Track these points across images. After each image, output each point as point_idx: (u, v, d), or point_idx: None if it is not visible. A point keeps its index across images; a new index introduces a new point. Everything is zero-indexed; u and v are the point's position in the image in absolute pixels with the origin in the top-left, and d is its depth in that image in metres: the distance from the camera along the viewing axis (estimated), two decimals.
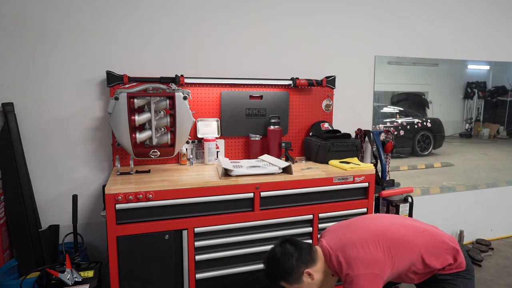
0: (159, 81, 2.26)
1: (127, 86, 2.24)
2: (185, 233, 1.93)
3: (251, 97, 2.55)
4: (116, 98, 1.97)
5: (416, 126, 3.21)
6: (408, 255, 1.49)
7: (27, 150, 2.19)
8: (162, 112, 2.13)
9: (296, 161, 2.51)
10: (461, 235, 3.30)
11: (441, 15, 3.09)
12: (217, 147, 2.48)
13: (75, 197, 2.14)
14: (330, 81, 2.72)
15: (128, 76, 2.23)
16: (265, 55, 2.61)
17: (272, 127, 2.50)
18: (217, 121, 2.50)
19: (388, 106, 3.12)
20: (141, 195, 1.83)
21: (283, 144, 2.46)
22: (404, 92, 3.20)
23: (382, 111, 3.08)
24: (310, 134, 2.70)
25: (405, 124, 3.17)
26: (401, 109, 3.19)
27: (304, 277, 1.49)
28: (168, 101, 2.06)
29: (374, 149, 2.79)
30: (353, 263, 1.43)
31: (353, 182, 2.25)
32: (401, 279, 1.58)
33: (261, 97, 2.57)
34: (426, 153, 3.31)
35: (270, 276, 1.54)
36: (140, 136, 2.06)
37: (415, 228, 1.58)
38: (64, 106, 2.25)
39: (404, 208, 2.63)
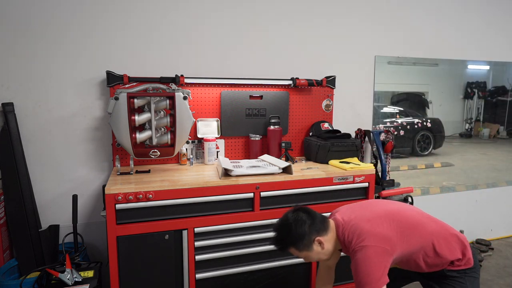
0: (159, 81, 2.26)
1: (127, 86, 2.24)
2: (185, 233, 1.93)
3: (251, 97, 2.55)
4: (116, 98, 1.97)
5: (416, 126, 3.21)
6: (420, 238, 1.50)
7: (27, 150, 2.19)
8: (162, 112, 2.13)
9: (296, 161, 2.51)
10: None
11: (441, 15, 3.09)
12: (217, 147, 2.48)
13: (75, 197, 2.14)
14: (330, 81, 2.72)
15: (128, 76, 2.23)
16: (265, 55, 2.61)
17: (272, 127, 2.50)
18: (217, 121, 2.50)
19: (388, 106, 3.12)
20: (141, 195, 1.83)
21: (283, 144, 2.46)
22: (404, 92, 3.20)
23: (382, 111, 3.08)
24: (310, 134, 2.70)
25: (405, 124, 3.18)
26: (401, 109, 3.19)
27: (314, 245, 1.50)
28: (168, 101, 2.06)
29: (374, 149, 2.79)
30: (364, 235, 1.44)
31: (353, 182, 2.25)
32: (410, 265, 1.58)
33: (261, 97, 2.57)
34: (426, 153, 3.31)
35: (281, 241, 1.54)
36: (140, 136, 2.06)
37: (428, 216, 1.62)
38: (64, 106, 2.25)
39: None
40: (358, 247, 1.43)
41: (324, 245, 1.51)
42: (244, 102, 2.53)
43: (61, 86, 2.23)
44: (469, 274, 1.55)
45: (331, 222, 1.57)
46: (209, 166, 2.36)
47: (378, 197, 2.68)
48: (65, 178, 2.30)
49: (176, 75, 2.29)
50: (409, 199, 2.67)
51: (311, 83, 2.61)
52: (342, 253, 1.68)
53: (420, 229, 1.52)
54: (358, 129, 2.86)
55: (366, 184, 2.29)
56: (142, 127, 2.13)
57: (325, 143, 2.41)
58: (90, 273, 1.94)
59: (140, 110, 2.11)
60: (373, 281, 1.37)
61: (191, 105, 2.27)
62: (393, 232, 1.46)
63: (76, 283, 1.85)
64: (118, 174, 2.08)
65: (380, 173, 2.72)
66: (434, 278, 1.59)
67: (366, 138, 2.80)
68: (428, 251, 1.51)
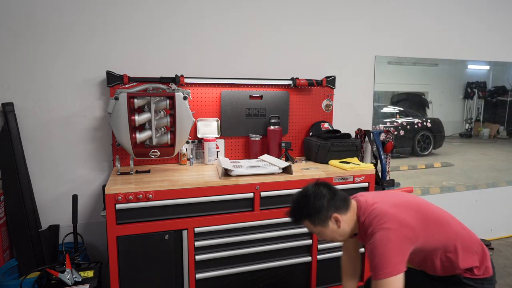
0: (159, 81, 2.26)
1: (127, 86, 2.24)
2: (185, 233, 1.93)
3: (251, 97, 2.55)
4: (116, 98, 1.97)
5: (416, 126, 3.21)
6: (444, 236, 1.41)
7: (27, 150, 2.19)
8: (162, 112, 2.13)
9: (296, 161, 2.51)
10: None
11: (441, 15, 3.09)
12: (217, 147, 2.48)
13: (75, 197, 2.14)
14: (330, 81, 2.72)
15: (128, 76, 2.23)
16: (265, 55, 2.61)
17: (272, 127, 2.50)
18: (217, 121, 2.50)
19: (388, 106, 3.12)
20: (141, 195, 1.83)
21: (283, 144, 2.46)
22: (404, 92, 3.20)
23: (382, 111, 3.08)
24: (310, 134, 2.70)
25: (405, 124, 3.17)
26: (401, 109, 3.19)
27: (330, 222, 1.42)
28: (168, 101, 2.06)
29: (374, 149, 2.79)
30: (388, 217, 1.33)
31: (353, 182, 2.25)
32: (426, 264, 1.49)
33: (261, 97, 2.57)
34: (426, 153, 3.31)
35: (297, 212, 1.47)
36: (140, 136, 2.06)
37: (452, 217, 1.52)
38: (64, 106, 2.25)
39: None
40: (378, 228, 1.31)
41: (340, 224, 1.42)
42: (244, 102, 2.53)
43: (61, 86, 2.23)
44: (485, 285, 1.46)
45: (353, 203, 1.48)
46: (209, 166, 2.36)
47: None
48: (65, 178, 2.30)
49: (176, 75, 2.29)
50: None
51: (311, 83, 2.61)
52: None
53: (445, 226, 1.44)
54: (358, 129, 2.86)
55: (366, 184, 2.29)
56: (142, 127, 2.13)
57: (325, 143, 2.41)
58: (90, 273, 1.94)
59: (140, 110, 2.11)
60: (390, 265, 1.25)
61: (191, 105, 2.27)
62: (418, 222, 1.36)
63: (76, 283, 1.85)
64: (118, 174, 2.08)
65: (380, 173, 2.72)
66: (449, 283, 1.49)
67: (366, 138, 2.80)
68: (449, 252, 1.42)
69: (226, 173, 2.05)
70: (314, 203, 1.41)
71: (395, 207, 1.39)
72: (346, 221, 1.44)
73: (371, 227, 1.35)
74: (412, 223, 1.35)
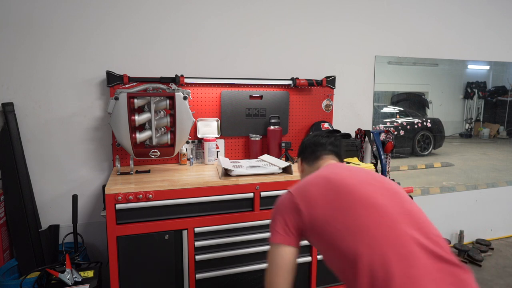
0: (159, 81, 2.26)
1: (127, 86, 2.24)
2: (185, 233, 1.93)
3: (251, 97, 2.55)
4: (116, 98, 1.97)
5: (416, 126, 3.21)
6: (364, 239, 0.99)
7: (27, 150, 2.19)
8: (162, 112, 2.13)
9: (296, 161, 2.51)
10: (461, 235, 3.30)
11: (441, 15, 3.09)
12: (217, 147, 2.48)
13: (75, 197, 2.14)
14: (330, 81, 2.72)
15: (128, 76, 2.23)
16: (265, 55, 2.61)
17: (272, 127, 2.50)
18: (217, 121, 2.50)
19: (388, 106, 3.12)
20: (141, 195, 1.83)
21: (283, 144, 2.47)
22: (404, 92, 3.20)
23: (382, 111, 3.08)
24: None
25: (405, 124, 3.18)
26: (401, 109, 3.19)
27: (301, 164, 1.54)
28: (168, 101, 2.06)
29: (374, 149, 2.79)
30: (299, 183, 1.25)
31: None
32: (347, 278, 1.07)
33: (261, 97, 2.57)
34: (426, 153, 3.31)
35: None
36: (140, 136, 2.06)
37: (405, 226, 1.02)
38: (64, 106, 2.25)
39: None
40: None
41: (301, 170, 1.53)
42: (244, 102, 2.53)
43: (61, 86, 2.23)
44: None
45: (324, 162, 1.41)
46: (209, 166, 2.36)
47: None
48: (65, 178, 2.30)
49: (176, 75, 2.29)
50: None
51: (311, 83, 2.61)
52: None
53: (374, 228, 1.00)
54: (358, 129, 2.86)
55: None
56: (142, 127, 2.13)
57: None
58: (90, 273, 1.94)
59: (140, 110, 2.11)
60: (272, 230, 1.22)
61: (191, 105, 2.27)
62: (327, 202, 1.09)
63: (76, 283, 1.85)
64: (118, 174, 2.08)
65: (380, 173, 2.72)
66: None
67: (366, 138, 2.80)
68: (379, 271, 0.94)
69: (226, 173, 2.05)
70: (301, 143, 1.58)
71: (322, 178, 1.19)
72: (307, 172, 1.46)
73: None
74: (316, 197, 1.11)
